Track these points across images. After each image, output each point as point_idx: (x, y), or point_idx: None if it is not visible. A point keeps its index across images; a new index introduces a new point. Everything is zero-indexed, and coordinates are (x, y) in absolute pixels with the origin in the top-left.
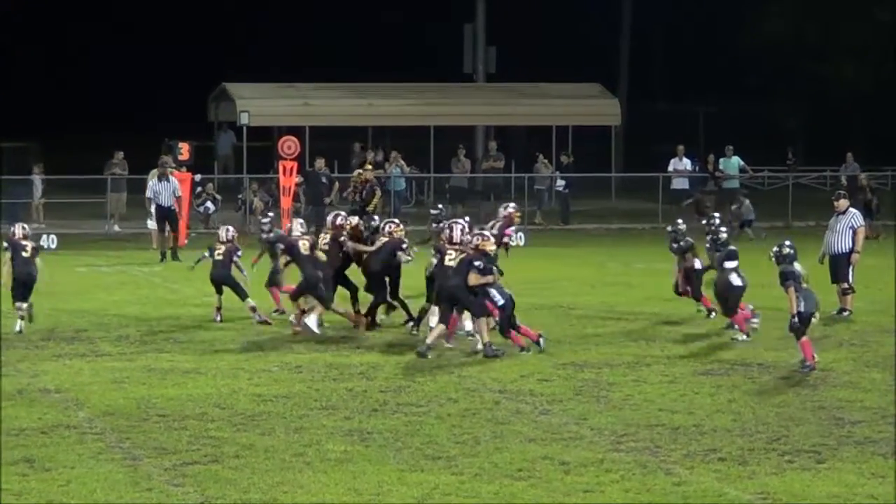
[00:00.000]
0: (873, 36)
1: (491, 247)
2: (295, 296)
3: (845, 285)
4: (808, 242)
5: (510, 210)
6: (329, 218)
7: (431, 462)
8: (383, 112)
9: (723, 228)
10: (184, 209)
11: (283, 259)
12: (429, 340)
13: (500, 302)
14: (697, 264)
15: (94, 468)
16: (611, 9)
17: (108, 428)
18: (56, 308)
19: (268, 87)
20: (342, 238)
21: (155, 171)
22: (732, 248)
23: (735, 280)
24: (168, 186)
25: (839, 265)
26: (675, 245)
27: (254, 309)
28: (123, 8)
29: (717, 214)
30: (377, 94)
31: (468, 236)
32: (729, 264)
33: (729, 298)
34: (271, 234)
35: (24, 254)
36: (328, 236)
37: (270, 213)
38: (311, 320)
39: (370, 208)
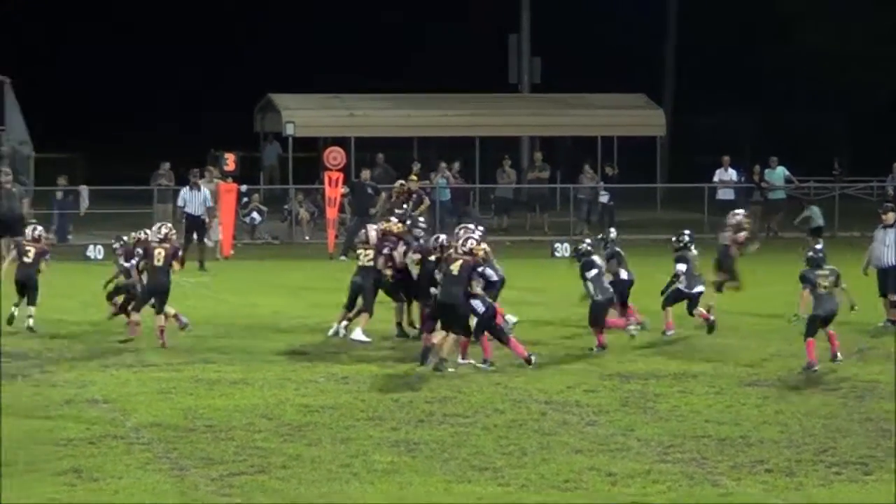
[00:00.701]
0: None
1: (481, 252)
2: (138, 306)
3: (894, 297)
4: (854, 253)
5: (739, 217)
6: (373, 232)
7: (478, 473)
8: (428, 123)
9: (612, 235)
10: (230, 220)
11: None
12: (442, 354)
13: (481, 308)
14: (623, 274)
15: (141, 478)
16: (655, 19)
17: (155, 438)
18: (102, 319)
19: (313, 98)
20: (388, 248)
21: (202, 182)
22: (590, 258)
23: (594, 292)
24: (198, 196)
25: (888, 277)
26: (603, 252)
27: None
28: (172, 21)
29: (612, 229)
30: (422, 104)
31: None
32: (589, 274)
33: (592, 309)
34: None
35: (25, 258)
36: (370, 252)
37: (124, 237)
38: (358, 331)
39: (416, 213)
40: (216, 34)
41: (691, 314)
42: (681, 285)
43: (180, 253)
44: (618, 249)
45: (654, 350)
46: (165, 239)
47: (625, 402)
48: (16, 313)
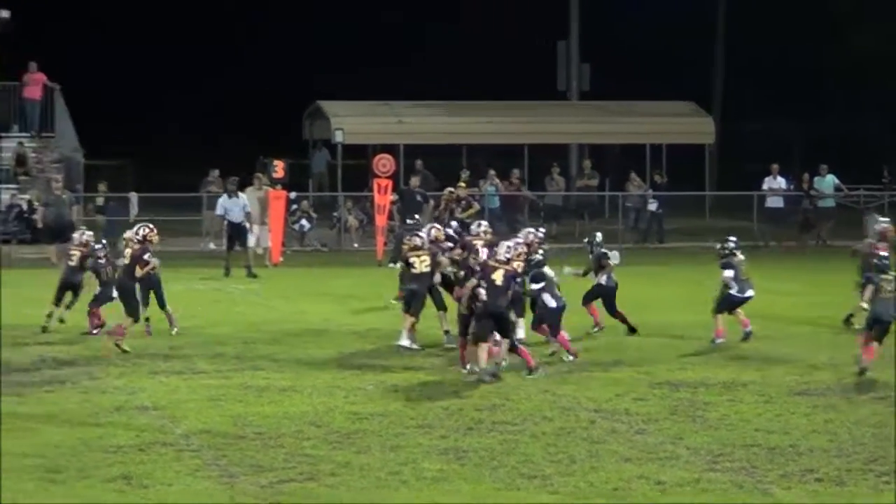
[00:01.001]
0: None
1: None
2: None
3: None
4: None
5: (884, 226)
6: (425, 234)
7: (527, 481)
8: (477, 130)
9: (543, 248)
10: (279, 227)
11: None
12: (483, 365)
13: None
14: (603, 279)
15: (190, 485)
16: (704, 27)
17: (204, 445)
18: (152, 325)
19: (362, 105)
20: (438, 254)
21: (251, 189)
22: (540, 269)
23: (549, 301)
24: (238, 202)
25: None
26: (589, 256)
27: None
28: (220, 29)
29: (598, 234)
30: (470, 112)
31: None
32: (535, 286)
33: (545, 319)
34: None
35: (70, 262)
36: (425, 257)
37: (104, 241)
38: (404, 337)
39: (463, 215)
40: (266, 41)
41: (730, 313)
42: (732, 291)
43: (146, 256)
44: (604, 251)
45: (703, 358)
46: (143, 240)
47: (674, 410)
48: (50, 322)
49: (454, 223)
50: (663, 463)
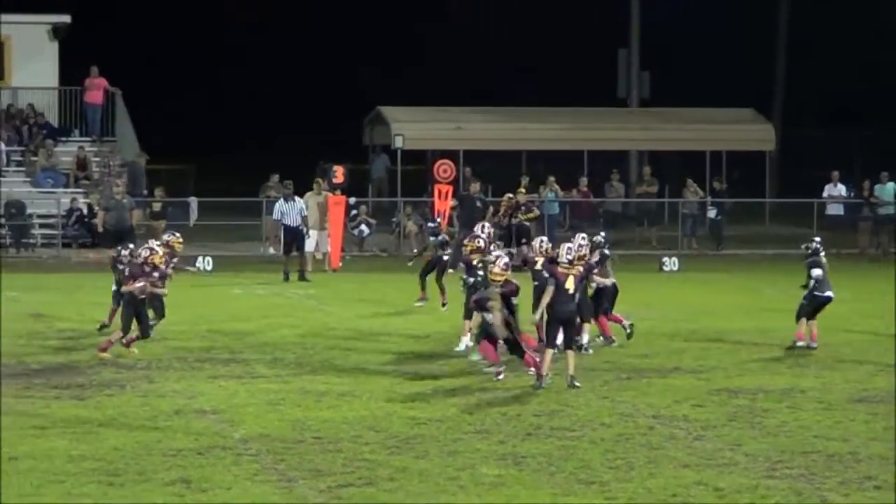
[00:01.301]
0: None
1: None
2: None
3: None
4: None
5: None
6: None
7: (585, 487)
8: (537, 136)
9: (600, 238)
10: (338, 232)
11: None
12: (571, 371)
13: None
14: (608, 282)
15: (249, 489)
16: (765, 34)
17: (263, 450)
18: (211, 330)
19: (422, 111)
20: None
21: (311, 194)
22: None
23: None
24: (294, 206)
25: None
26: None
27: None
28: (281, 33)
29: (602, 233)
30: (530, 118)
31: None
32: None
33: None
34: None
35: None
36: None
37: (131, 245)
38: (464, 339)
39: (523, 217)
40: (325, 47)
41: (810, 318)
42: (818, 291)
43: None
44: (607, 253)
45: (761, 365)
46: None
47: (733, 416)
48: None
49: (486, 231)
50: (722, 469)
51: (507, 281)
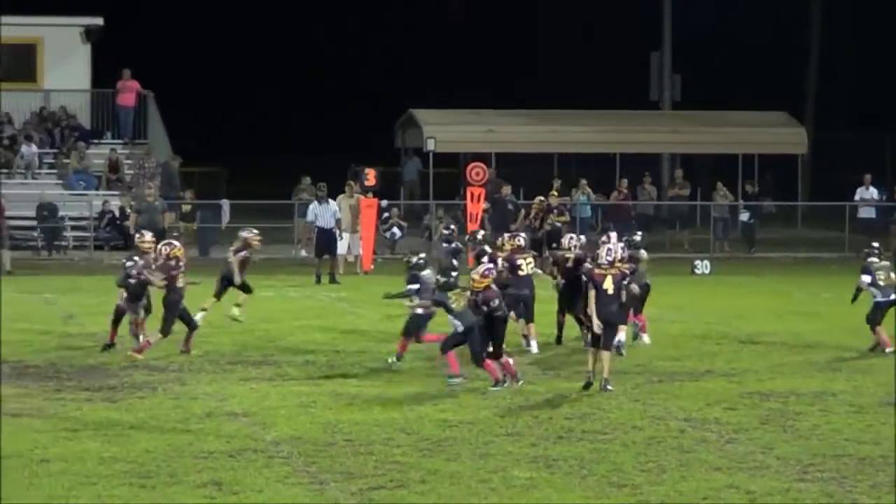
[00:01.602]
0: None
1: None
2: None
3: None
4: None
5: None
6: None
7: (616, 490)
8: (569, 139)
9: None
10: (370, 235)
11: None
12: (606, 374)
13: None
14: (634, 288)
15: (281, 492)
16: (797, 37)
17: (294, 452)
18: (243, 332)
19: (454, 114)
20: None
21: (343, 196)
22: (416, 272)
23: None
24: (328, 209)
25: None
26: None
27: None
28: (312, 34)
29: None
30: (562, 121)
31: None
32: (412, 287)
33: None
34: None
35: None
36: (529, 259)
37: (136, 258)
38: (534, 344)
39: (555, 220)
40: (358, 51)
41: (878, 324)
42: (876, 297)
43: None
44: (643, 254)
45: (793, 368)
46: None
47: (764, 420)
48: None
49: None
50: (753, 472)
51: (486, 288)
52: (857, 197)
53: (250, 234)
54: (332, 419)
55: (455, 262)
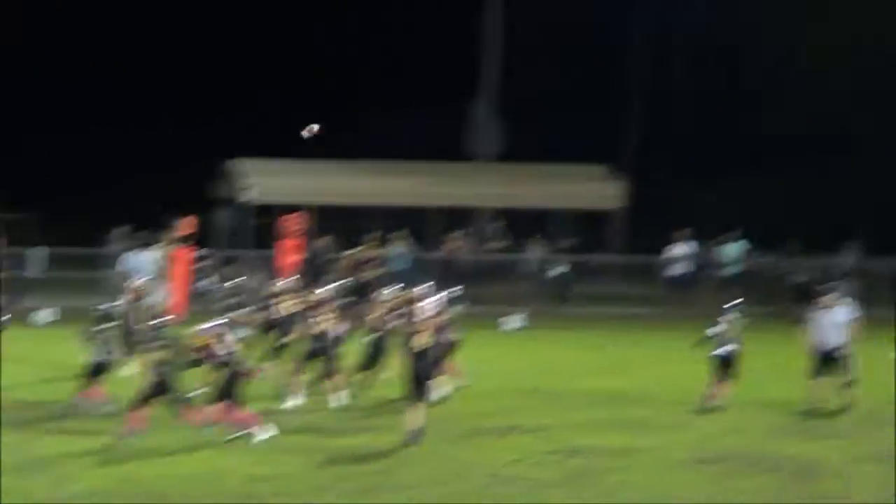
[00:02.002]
0: None
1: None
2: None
3: None
4: None
5: None
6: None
7: None
8: (389, 191)
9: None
10: (183, 285)
11: None
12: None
13: None
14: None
15: None
16: (619, 91)
17: None
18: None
19: (275, 163)
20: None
21: (156, 246)
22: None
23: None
24: (144, 258)
25: None
26: None
27: None
28: (121, 77)
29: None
30: (385, 172)
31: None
32: None
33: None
34: None
35: None
36: None
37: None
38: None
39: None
40: (180, 91)
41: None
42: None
43: None
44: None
45: (601, 424)
46: None
47: (570, 476)
48: None
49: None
50: None
51: (205, 346)
52: (669, 253)
53: None
54: (131, 471)
55: None
